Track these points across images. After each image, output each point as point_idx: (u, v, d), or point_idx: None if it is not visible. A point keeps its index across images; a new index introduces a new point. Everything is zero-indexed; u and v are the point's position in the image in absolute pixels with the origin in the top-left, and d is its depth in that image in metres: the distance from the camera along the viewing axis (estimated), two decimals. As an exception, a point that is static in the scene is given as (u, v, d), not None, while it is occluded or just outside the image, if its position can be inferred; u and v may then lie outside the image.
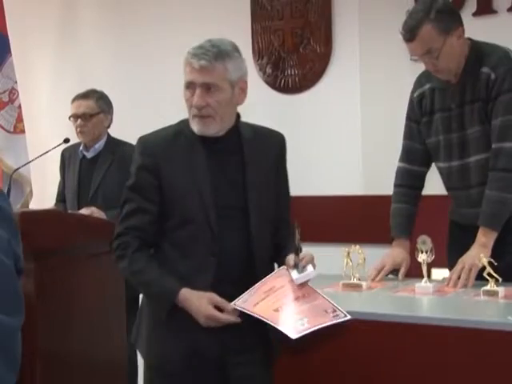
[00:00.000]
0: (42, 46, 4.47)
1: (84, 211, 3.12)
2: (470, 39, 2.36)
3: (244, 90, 1.94)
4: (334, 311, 1.83)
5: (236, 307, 1.86)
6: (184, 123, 1.99)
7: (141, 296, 2.94)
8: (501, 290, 2.17)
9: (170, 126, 2.02)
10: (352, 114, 3.67)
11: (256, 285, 1.90)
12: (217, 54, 1.86)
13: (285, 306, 1.86)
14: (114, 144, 3.37)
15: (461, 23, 2.28)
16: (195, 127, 1.91)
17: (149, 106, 4.10)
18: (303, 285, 1.91)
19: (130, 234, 1.91)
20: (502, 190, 2.29)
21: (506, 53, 2.32)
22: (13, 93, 3.96)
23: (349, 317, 1.77)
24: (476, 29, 3.28)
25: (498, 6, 3.34)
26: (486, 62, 2.28)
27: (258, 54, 3.78)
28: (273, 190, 2.02)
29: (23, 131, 4.03)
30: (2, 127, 3.95)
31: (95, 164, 3.36)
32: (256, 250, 1.93)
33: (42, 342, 2.88)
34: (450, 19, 2.26)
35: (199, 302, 1.85)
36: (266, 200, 1.99)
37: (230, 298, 1.86)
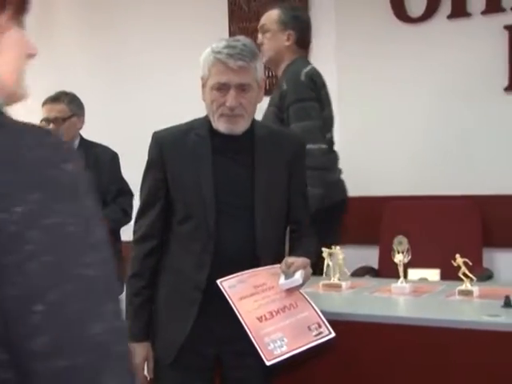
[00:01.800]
0: None
1: None
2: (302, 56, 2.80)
3: (262, 89, 1.95)
4: (319, 327, 1.79)
5: (221, 287, 1.83)
6: (198, 121, 1.99)
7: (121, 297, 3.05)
8: (475, 289, 2.20)
9: (185, 123, 2.01)
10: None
11: (248, 271, 1.88)
12: (251, 54, 1.86)
13: (269, 315, 1.83)
14: (86, 146, 3.34)
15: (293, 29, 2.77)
16: (223, 126, 1.89)
17: (126, 107, 4.08)
18: (293, 291, 1.89)
19: (134, 260, 1.95)
20: (309, 186, 2.44)
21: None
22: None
23: (333, 334, 1.74)
24: (451, 31, 3.36)
25: (472, 8, 3.38)
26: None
27: (236, 54, 3.88)
28: (284, 192, 2.00)
29: None
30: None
31: None
32: (260, 251, 1.90)
33: None
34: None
35: (134, 353, 1.88)
36: (275, 201, 1.97)
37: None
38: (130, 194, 3.27)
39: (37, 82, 4.09)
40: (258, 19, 3.77)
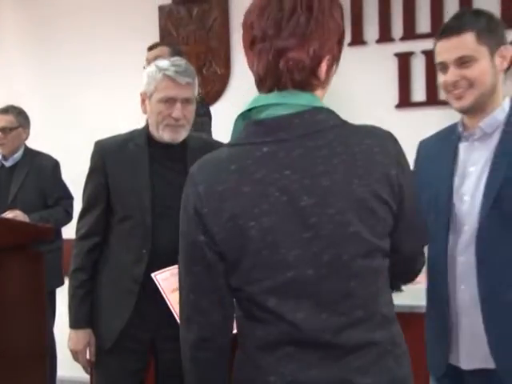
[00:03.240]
0: None
1: (8, 214, 3.18)
2: None
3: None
4: None
5: (155, 280, 1.86)
6: (137, 132, 2.02)
7: (61, 289, 3.00)
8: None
9: (124, 134, 2.04)
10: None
11: (173, 267, 1.87)
12: (193, 72, 1.95)
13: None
14: (31, 154, 3.48)
15: None
16: (168, 135, 1.94)
17: (67, 118, 4.09)
18: None
19: (77, 256, 2.00)
20: None
21: None
22: None
23: None
24: (350, 57, 3.57)
25: (368, 38, 3.57)
26: None
27: (165, 74, 4.00)
28: None
29: None
30: None
31: (13, 172, 3.44)
32: None
33: None
34: None
35: (77, 339, 2.00)
36: None
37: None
38: (71, 197, 3.36)
39: None
40: (185, 43, 3.97)
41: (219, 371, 1.22)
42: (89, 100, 4.00)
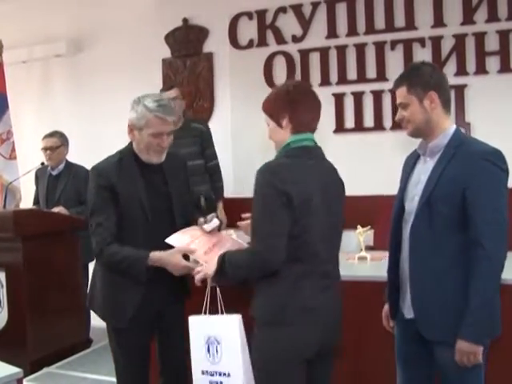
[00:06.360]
0: (28, 102, 4.87)
1: (55, 209, 3.51)
2: None
3: None
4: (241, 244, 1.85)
5: (170, 243, 1.88)
6: (123, 153, 1.99)
7: (91, 264, 3.07)
8: (368, 255, 2.46)
9: (113, 156, 1.99)
10: (225, 144, 4.08)
11: (181, 230, 1.95)
12: (175, 109, 2.01)
13: (208, 250, 1.87)
14: (70, 166, 3.73)
15: None
16: (156, 158, 1.95)
17: (95, 139, 4.42)
18: (214, 233, 1.97)
19: (103, 235, 1.91)
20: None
21: None
22: (10, 133, 4.45)
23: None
24: None
25: (313, 82, 3.86)
26: None
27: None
28: (185, 194, 2.09)
29: (15, 157, 4.46)
30: (2, 155, 4.46)
31: (58, 179, 3.72)
32: (178, 228, 1.99)
33: (29, 296, 3.23)
34: None
35: (172, 257, 1.87)
36: (183, 201, 2.06)
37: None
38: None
39: (39, 125, 4.45)
40: (181, 85, 4.18)
41: None
42: (108, 129, 4.22)
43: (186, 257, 1.88)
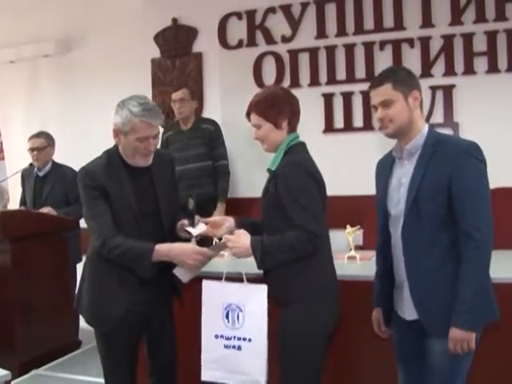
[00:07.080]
0: (16, 103, 4.84)
1: (44, 210, 3.49)
2: None
3: None
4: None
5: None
6: (110, 155, 1.97)
7: (79, 265, 3.19)
8: (358, 255, 2.48)
9: (100, 157, 1.98)
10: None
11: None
12: (160, 112, 1.96)
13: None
14: (57, 166, 3.71)
15: None
16: (143, 161, 1.94)
17: (81, 138, 4.43)
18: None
19: (104, 229, 1.89)
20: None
21: None
22: (-2, 137, 4.20)
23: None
24: None
25: (302, 82, 3.90)
26: None
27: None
28: (172, 193, 2.08)
29: (3, 158, 4.45)
30: (-10, 157, 4.26)
31: (45, 180, 3.69)
32: (165, 230, 2.01)
33: (18, 297, 3.22)
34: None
35: (183, 247, 1.86)
36: (170, 202, 2.05)
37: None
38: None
39: (26, 127, 4.36)
40: (171, 85, 4.23)
41: None
42: (96, 129, 4.10)
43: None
